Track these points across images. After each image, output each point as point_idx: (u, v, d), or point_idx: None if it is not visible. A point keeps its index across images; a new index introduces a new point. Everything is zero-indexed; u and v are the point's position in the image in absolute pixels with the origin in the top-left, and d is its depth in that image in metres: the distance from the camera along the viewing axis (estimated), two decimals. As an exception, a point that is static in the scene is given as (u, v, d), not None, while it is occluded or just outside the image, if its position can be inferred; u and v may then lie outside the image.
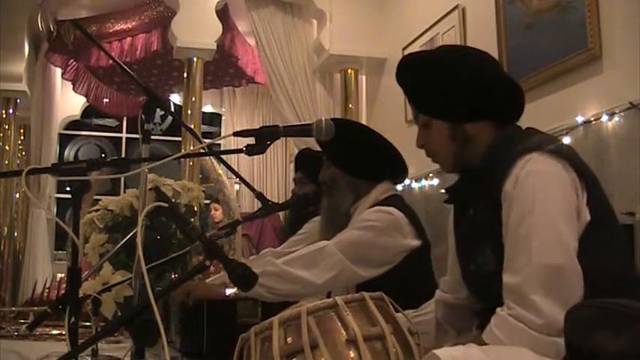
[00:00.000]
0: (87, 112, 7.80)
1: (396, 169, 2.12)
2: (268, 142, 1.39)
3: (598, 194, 1.25)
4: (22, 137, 6.67)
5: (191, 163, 4.92)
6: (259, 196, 2.32)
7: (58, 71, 6.56)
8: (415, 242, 1.96)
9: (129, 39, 6.11)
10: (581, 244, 1.18)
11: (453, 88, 1.38)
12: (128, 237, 1.97)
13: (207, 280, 2.41)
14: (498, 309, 1.17)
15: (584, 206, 1.22)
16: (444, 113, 1.40)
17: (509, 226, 1.21)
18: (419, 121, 1.46)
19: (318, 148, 2.42)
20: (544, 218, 1.17)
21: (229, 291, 1.88)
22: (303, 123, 1.51)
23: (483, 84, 1.36)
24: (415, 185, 4.43)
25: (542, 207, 1.18)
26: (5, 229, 5.97)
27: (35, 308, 3.44)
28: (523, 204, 1.20)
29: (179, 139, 6.48)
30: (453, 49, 1.45)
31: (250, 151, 1.39)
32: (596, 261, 1.19)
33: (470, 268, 1.41)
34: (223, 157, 3.07)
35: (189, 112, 5.07)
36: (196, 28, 5.05)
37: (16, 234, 6.25)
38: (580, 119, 2.99)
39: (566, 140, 3.01)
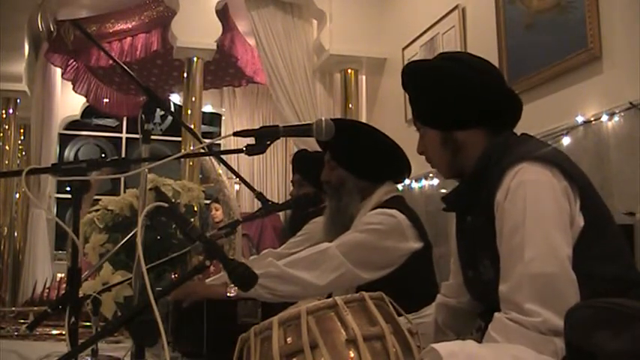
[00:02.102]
0: (87, 112, 7.80)
1: (401, 169, 2.12)
2: (268, 142, 1.39)
3: (592, 199, 1.26)
4: (22, 137, 6.68)
5: (191, 163, 4.92)
6: (259, 196, 2.31)
7: (58, 71, 6.56)
8: (417, 244, 1.96)
9: (129, 39, 6.11)
10: (578, 251, 1.18)
11: (441, 97, 1.40)
12: (128, 237, 1.97)
13: (207, 280, 2.41)
14: (496, 313, 1.17)
15: (578, 212, 1.22)
16: (434, 121, 1.43)
17: (502, 236, 1.22)
18: (417, 129, 1.49)
19: (316, 149, 2.41)
20: (536, 228, 1.18)
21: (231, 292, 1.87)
22: (303, 123, 1.51)
23: (471, 93, 1.37)
24: (415, 185, 4.43)
25: (534, 217, 1.18)
26: (5, 229, 5.96)
27: (35, 308, 3.43)
28: (515, 215, 1.20)
29: (179, 139, 6.48)
30: (447, 58, 1.46)
31: (250, 151, 1.39)
32: (594, 266, 1.19)
33: (468, 274, 1.42)
34: (223, 157, 3.07)
35: (189, 112, 5.07)
36: (196, 28, 5.05)
37: (16, 234, 6.25)
38: (580, 119, 2.99)
39: (566, 140, 3.01)
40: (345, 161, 2.06)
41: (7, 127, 5.96)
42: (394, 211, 1.95)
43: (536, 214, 1.19)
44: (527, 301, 1.12)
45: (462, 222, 1.45)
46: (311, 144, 4.65)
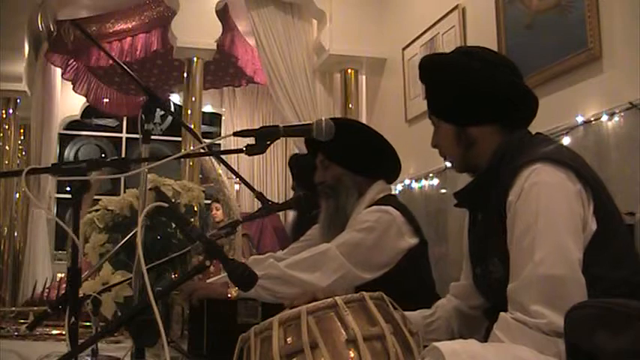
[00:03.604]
0: (87, 112, 7.80)
1: (393, 167, 2.12)
2: (268, 142, 1.39)
3: (605, 202, 1.25)
4: (22, 137, 6.67)
5: (191, 163, 4.92)
6: (259, 196, 2.31)
7: (58, 71, 6.56)
8: (413, 240, 1.97)
9: (129, 39, 6.11)
10: (589, 254, 1.18)
11: (457, 91, 1.40)
12: (128, 237, 1.97)
13: (208, 280, 2.40)
14: (502, 313, 1.17)
15: (591, 216, 1.21)
16: (449, 115, 1.43)
17: (513, 237, 1.22)
18: (432, 122, 1.49)
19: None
20: (548, 230, 1.17)
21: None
22: (303, 123, 1.51)
23: (487, 89, 1.37)
24: (415, 185, 4.43)
25: (546, 219, 1.18)
26: (5, 229, 5.96)
27: (35, 308, 3.43)
28: (527, 216, 1.20)
29: (179, 139, 6.48)
30: (464, 53, 1.46)
31: (250, 151, 1.39)
32: (604, 269, 1.19)
33: (476, 271, 1.42)
34: (223, 157, 3.07)
35: (189, 112, 5.07)
36: (196, 28, 5.05)
37: (16, 234, 6.24)
38: (580, 119, 2.99)
39: (566, 140, 3.01)
40: (338, 158, 2.06)
41: (7, 127, 5.96)
42: (389, 208, 1.95)
43: (548, 216, 1.18)
44: (533, 302, 1.12)
45: (473, 219, 1.45)
46: (311, 144, 4.63)
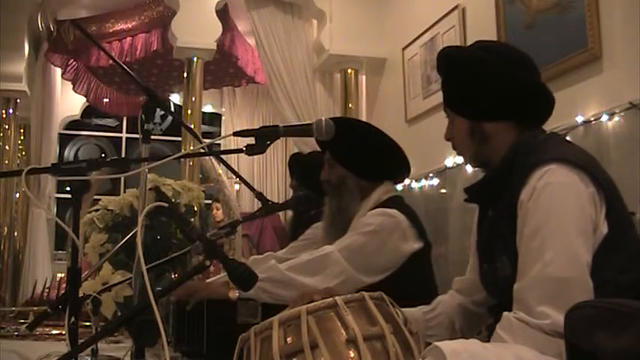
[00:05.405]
0: (87, 112, 7.80)
1: (401, 169, 2.11)
2: (268, 142, 1.39)
3: (617, 206, 1.24)
4: (22, 137, 6.68)
5: (191, 163, 4.92)
6: (259, 196, 2.31)
7: (58, 71, 6.56)
8: (417, 244, 1.95)
9: (129, 39, 6.11)
10: (598, 258, 1.17)
11: (473, 85, 1.39)
12: (128, 237, 1.97)
13: (208, 280, 2.40)
14: (505, 312, 1.17)
15: (602, 220, 1.21)
16: (464, 109, 1.42)
17: (523, 236, 1.21)
18: (447, 115, 1.48)
19: (315, 148, 2.40)
20: (558, 232, 1.16)
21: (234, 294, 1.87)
22: (303, 123, 1.51)
23: (504, 85, 1.36)
24: (415, 185, 4.43)
25: (557, 220, 1.17)
26: (5, 229, 5.97)
27: (35, 308, 3.43)
28: (538, 216, 1.19)
29: (179, 139, 6.48)
30: (483, 48, 1.44)
31: (250, 151, 1.39)
32: (612, 273, 1.18)
33: (483, 267, 1.42)
34: (223, 157, 3.07)
35: (189, 112, 5.07)
36: (196, 28, 5.05)
37: (16, 234, 6.25)
38: (580, 119, 2.99)
39: (566, 140, 3.02)
40: (345, 160, 2.04)
41: (7, 127, 5.97)
42: (394, 211, 1.94)
43: (559, 218, 1.18)
44: (539, 302, 1.12)
45: (483, 215, 1.44)
46: (311, 144, 4.64)
